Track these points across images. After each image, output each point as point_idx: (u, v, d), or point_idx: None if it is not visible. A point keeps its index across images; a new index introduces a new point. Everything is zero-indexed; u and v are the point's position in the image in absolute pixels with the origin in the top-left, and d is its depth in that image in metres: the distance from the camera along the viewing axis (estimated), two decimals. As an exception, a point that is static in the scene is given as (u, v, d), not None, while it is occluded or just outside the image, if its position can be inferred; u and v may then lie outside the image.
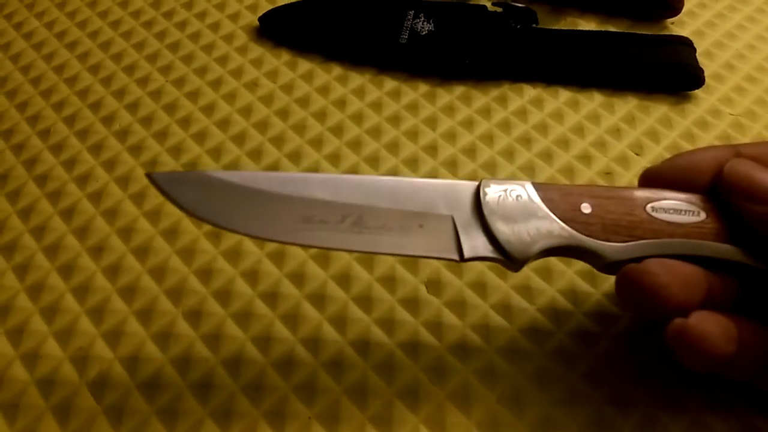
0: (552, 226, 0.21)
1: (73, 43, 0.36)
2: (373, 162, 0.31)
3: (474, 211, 0.21)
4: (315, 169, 0.30)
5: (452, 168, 0.30)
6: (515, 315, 0.26)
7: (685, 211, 0.21)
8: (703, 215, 0.21)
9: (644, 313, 0.20)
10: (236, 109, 0.33)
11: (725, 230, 0.21)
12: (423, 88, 0.34)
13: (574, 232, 0.21)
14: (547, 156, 0.31)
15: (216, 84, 0.34)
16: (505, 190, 0.21)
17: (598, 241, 0.21)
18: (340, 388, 0.24)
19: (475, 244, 0.21)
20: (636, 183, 0.29)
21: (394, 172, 0.30)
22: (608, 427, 0.23)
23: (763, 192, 0.20)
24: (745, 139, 0.32)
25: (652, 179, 0.23)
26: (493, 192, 0.21)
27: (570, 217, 0.21)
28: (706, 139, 0.32)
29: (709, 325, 0.19)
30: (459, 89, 0.33)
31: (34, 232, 0.28)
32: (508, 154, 0.31)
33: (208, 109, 0.33)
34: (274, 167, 0.30)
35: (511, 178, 0.30)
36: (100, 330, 0.25)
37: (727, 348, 0.19)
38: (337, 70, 0.34)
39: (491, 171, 0.30)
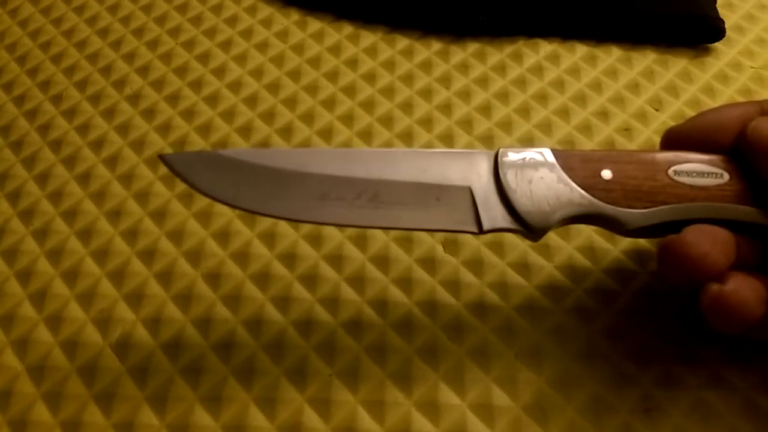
0: (572, 195, 0.20)
1: (81, 7, 0.35)
2: (387, 122, 0.30)
3: (492, 181, 0.21)
4: (328, 130, 0.30)
5: (467, 127, 0.30)
6: (533, 273, 0.26)
7: (708, 173, 0.21)
8: (726, 177, 0.21)
9: (686, 282, 0.20)
10: (247, 70, 0.32)
11: (748, 192, 0.21)
12: (436, 45, 0.33)
13: (595, 200, 0.20)
14: (563, 113, 0.30)
15: (226, 45, 0.33)
16: (524, 159, 0.21)
17: (620, 209, 0.20)
18: (359, 346, 0.24)
19: (494, 215, 0.20)
20: (655, 139, 0.29)
21: (407, 133, 0.30)
22: (627, 382, 0.23)
23: None
24: (766, 93, 0.31)
25: (674, 139, 0.23)
26: (511, 161, 0.21)
27: (590, 184, 0.21)
28: (727, 93, 0.31)
29: (746, 291, 0.19)
30: (473, 46, 0.33)
31: (51, 198, 0.28)
32: (524, 111, 0.30)
33: (219, 72, 0.32)
34: (287, 129, 0.30)
35: (528, 138, 0.29)
36: (121, 292, 0.26)
37: (760, 311, 0.19)
38: (348, 28, 0.34)
39: (507, 129, 0.30)
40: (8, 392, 0.24)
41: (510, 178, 0.21)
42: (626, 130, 0.30)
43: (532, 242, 0.26)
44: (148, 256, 0.27)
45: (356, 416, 0.23)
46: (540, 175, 0.21)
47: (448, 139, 0.29)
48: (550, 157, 0.21)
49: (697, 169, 0.21)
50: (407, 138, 0.30)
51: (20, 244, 0.27)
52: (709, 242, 0.19)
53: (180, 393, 0.23)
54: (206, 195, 0.20)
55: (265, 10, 0.35)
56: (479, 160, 0.21)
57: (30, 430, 0.23)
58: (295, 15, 0.34)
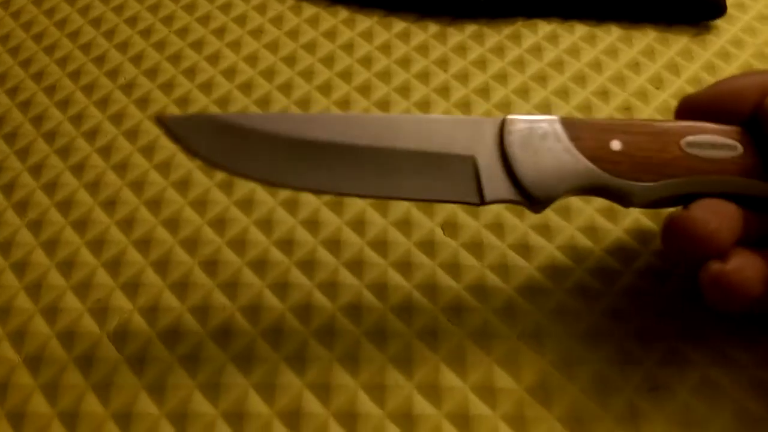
0: (578, 166, 0.20)
1: (73, -3, 0.35)
2: (384, 106, 0.30)
3: (497, 150, 0.20)
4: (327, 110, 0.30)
5: (465, 109, 0.29)
6: (533, 254, 0.25)
7: (721, 145, 0.20)
8: (739, 149, 0.20)
9: (693, 259, 0.20)
10: (242, 57, 0.32)
11: (761, 165, 0.20)
12: (433, 28, 0.32)
13: (602, 172, 0.20)
14: (563, 93, 0.30)
15: (220, 32, 0.33)
16: (531, 128, 0.20)
17: (627, 181, 0.20)
18: (359, 330, 0.24)
19: (497, 185, 0.20)
20: (656, 117, 0.29)
21: (405, 116, 0.29)
22: (631, 361, 0.23)
23: None
24: (769, 69, 0.30)
25: (690, 108, 0.22)
26: (518, 129, 0.20)
27: (598, 155, 0.20)
28: (728, 70, 0.30)
29: (747, 270, 0.19)
30: (470, 28, 0.32)
31: (46, 188, 0.28)
32: (523, 92, 0.30)
33: (213, 58, 0.32)
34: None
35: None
36: (117, 282, 0.25)
37: (761, 289, 0.19)
38: (343, 13, 0.33)
39: (506, 110, 0.29)
40: (5, 384, 0.23)
41: (515, 148, 0.20)
42: (627, 109, 0.29)
43: (535, 216, 0.25)
44: (144, 245, 0.26)
45: (357, 400, 0.22)
46: (547, 145, 0.20)
47: (446, 122, 0.29)
48: (558, 127, 0.20)
49: (710, 140, 0.20)
50: (405, 121, 0.29)
51: (15, 235, 0.27)
52: (717, 220, 0.19)
53: (178, 381, 0.23)
54: (203, 160, 0.20)
55: (259, -3, 0.34)
56: (485, 128, 0.20)
57: (28, 422, 0.23)
58: (289, 1, 0.34)
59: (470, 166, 0.20)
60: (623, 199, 0.20)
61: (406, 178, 0.20)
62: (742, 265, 0.19)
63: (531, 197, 0.20)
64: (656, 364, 0.23)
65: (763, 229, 0.20)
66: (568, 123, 0.20)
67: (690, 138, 0.20)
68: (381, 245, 0.26)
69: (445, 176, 0.20)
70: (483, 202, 0.20)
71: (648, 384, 0.22)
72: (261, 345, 0.24)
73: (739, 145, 0.20)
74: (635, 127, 0.20)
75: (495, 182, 0.20)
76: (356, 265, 0.25)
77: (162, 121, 0.20)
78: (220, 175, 0.28)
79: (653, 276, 0.24)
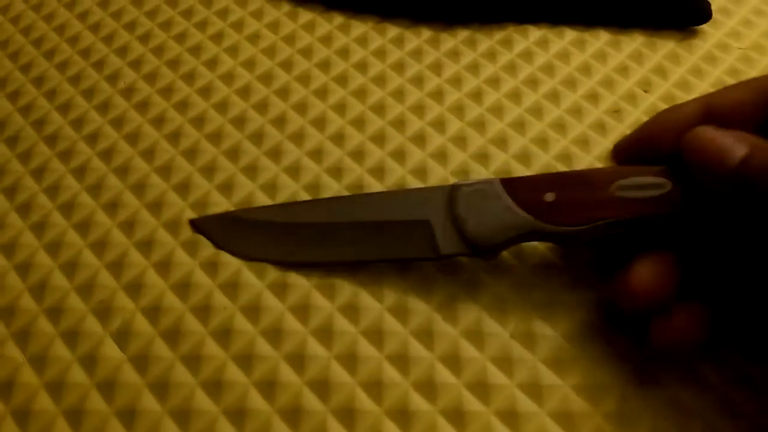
0: (516, 219, 0.22)
1: (72, 3, 0.35)
2: (379, 110, 0.30)
3: (447, 212, 0.23)
4: (321, 119, 0.30)
5: (459, 113, 0.30)
6: (524, 254, 0.26)
7: (650, 184, 0.21)
8: (668, 186, 0.21)
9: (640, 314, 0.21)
10: (239, 62, 0.32)
11: (690, 198, 0.21)
12: (426, 33, 0.33)
13: (538, 222, 0.22)
14: (554, 97, 0.31)
15: (217, 38, 0.33)
16: (474, 191, 0.23)
17: (562, 227, 0.22)
18: (356, 330, 0.24)
19: (449, 242, 0.23)
20: (644, 120, 0.30)
21: (400, 120, 0.30)
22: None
23: (718, 168, 0.19)
24: (753, 73, 0.31)
25: (621, 153, 0.24)
26: (462, 194, 0.23)
27: (535, 208, 0.22)
28: (715, 74, 0.31)
29: (690, 324, 0.21)
30: (463, 33, 0.33)
31: (48, 192, 0.29)
32: (515, 96, 0.31)
33: (212, 63, 0.32)
34: (281, 119, 0.30)
35: (519, 123, 0.30)
36: (120, 283, 0.26)
37: (704, 336, 0.21)
38: (338, 19, 0.34)
39: (498, 114, 0.30)
40: (11, 383, 0.24)
41: (461, 210, 0.23)
42: (616, 112, 0.30)
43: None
44: (146, 246, 0.27)
45: (355, 397, 0.23)
46: (488, 204, 0.23)
47: (439, 125, 0.30)
48: (498, 186, 0.23)
49: (639, 182, 0.22)
50: (400, 125, 0.30)
51: (19, 237, 0.27)
52: (653, 280, 0.21)
53: (180, 379, 0.24)
54: (223, 249, 0.26)
55: (256, 3, 0.35)
56: (437, 195, 0.24)
57: (33, 419, 0.23)
58: (285, 6, 0.35)
59: (426, 228, 0.24)
60: (562, 242, 0.23)
61: (375, 244, 0.24)
62: (685, 322, 0.21)
63: (477, 249, 0.23)
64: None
65: (696, 273, 0.22)
66: (506, 182, 0.23)
67: (621, 182, 0.22)
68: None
69: (406, 238, 0.24)
70: (439, 256, 0.23)
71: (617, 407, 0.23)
72: (262, 345, 0.24)
73: (667, 182, 0.21)
74: (567, 179, 0.23)
75: (447, 239, 0.23)
76: (350, 266, 0.26)
77: (193, 223, 0.27)
78: (216, 180, 0.29)
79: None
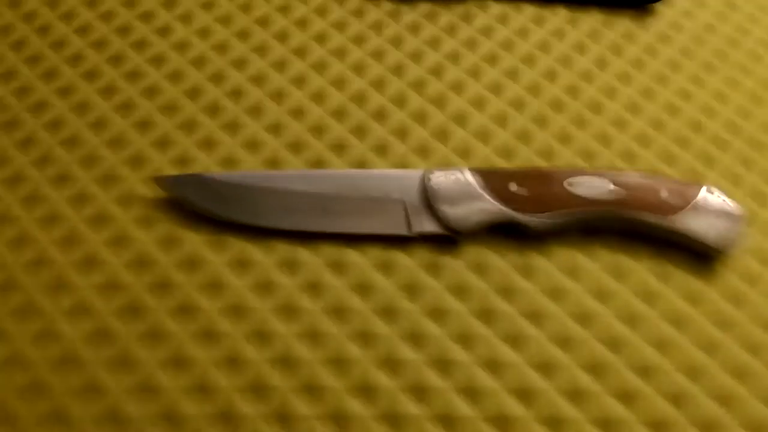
0: (485, 204, 0.25)
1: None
2: (339, 84, 0.30)
3: (421, 194, 0.26)
4: (279, 93, 0.30)
5: (419, 88, 0.30)
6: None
7: (596, 184, 0.26)
8: (612, 187, 0.26)
9: None
10: (210, 45, 0.32)
11: (634, 198, 0.25)
12: (387, 6, 0.33)
13: (504, 208, 0.25)
14: (512, 74, 0.31)
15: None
16: (446, 176, 0.26)
17: (525, 215, 0.25)
18: (341, 333, 0.25)
19: (421, 221, 0.26)
20: (599, 98, 0.30)
21: (360, 96, 0.30)
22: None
23: None
24: (704, 53, 0.32)
25: None
26: (436, 178, 0.26)
27: (501, 195, 0.26)
28: (667, 52, 0.32)
29: None
30: (423, 7, 0.33)
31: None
32: (474, 73, 0.31)
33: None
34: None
35: (478, 99, 0.30)
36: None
37: None
38: (298, -11, 0.33)
39: (458, 90, 0.30)
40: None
41: (434, 191, 0.26)
42: (572, 89, 0.30)
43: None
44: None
45: (344, 403, 0.23)
46: (459, 188, 0.26)
47: (400, 101, 0.30)
48: (468, 174, 0.26)
49: (587, 181, 0.26)
50: (360, 101, 0.30)
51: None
52: None
53: (164, 383, 0.23)
54: (194, 209, 0.26)
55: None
56: (411, 177, 0.27)
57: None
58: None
59: (401, 207, 0.26)
60: (526, 228, 0.26)
61: (354, 218, 0.26)
62: None
63: (450, 229, 0.25)
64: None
65: None
66: (475, 171, 0.26)
67: (571, 179, 0.26)
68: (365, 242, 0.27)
69: (381, 215, 0.26)
70: (411, 232, 0.26)
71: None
72: (246, 348, 0.24)
73: (611, 185, 0.26)
74: (528, 173, 0.26)
75: (420, 218, 0.26)
76: (337, 266, 0.26)
77: (158, 181, 0.26)
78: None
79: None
